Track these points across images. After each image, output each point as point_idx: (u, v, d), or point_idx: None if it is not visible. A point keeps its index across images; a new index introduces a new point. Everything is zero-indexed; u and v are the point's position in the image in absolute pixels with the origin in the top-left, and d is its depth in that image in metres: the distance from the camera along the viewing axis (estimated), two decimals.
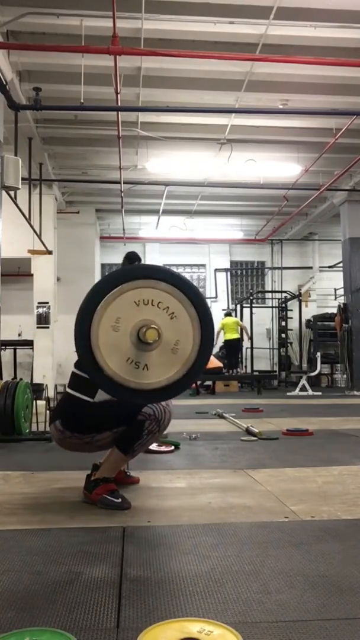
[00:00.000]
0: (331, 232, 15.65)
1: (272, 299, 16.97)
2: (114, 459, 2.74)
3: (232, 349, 13.68)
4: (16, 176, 7.07)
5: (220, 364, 12.64)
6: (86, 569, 1.85)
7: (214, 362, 12.46)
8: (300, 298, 15.20)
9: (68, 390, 2.83)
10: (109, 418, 2.70)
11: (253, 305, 15.34)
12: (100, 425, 2.71)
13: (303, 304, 15.55)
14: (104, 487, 2.67)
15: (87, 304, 2.39)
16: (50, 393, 7.40)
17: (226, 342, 13.64)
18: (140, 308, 2.36)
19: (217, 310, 16.09)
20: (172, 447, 4.29)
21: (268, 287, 17.31)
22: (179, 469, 3.58)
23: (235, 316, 15.53)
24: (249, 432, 5.12)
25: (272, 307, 16.69)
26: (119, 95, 7.58)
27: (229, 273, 16.77)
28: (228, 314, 14.39)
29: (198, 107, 8.67)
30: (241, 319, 15.26)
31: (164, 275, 2.43)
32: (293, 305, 15.46)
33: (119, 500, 2.63)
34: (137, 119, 9.18)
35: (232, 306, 16.33)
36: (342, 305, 12.87)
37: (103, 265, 16.85)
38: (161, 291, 2.37)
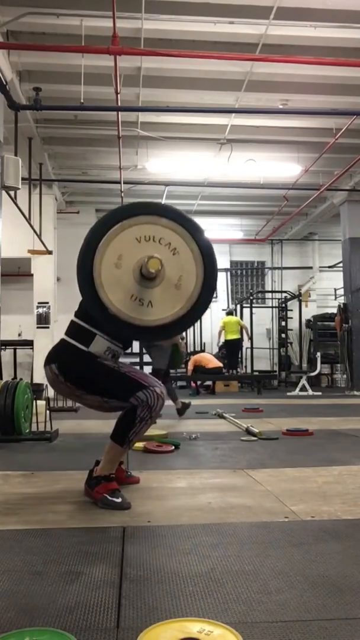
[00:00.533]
0: (331, 232, 15.65)
1: (272, 299, 16.96)
2: (112, 452, 2.75)
3: (233, 348, 13.69)
4: (16, 176, 7.07)
5: (220, 364, 12.64)
6: (86, 569, 1.85)
7: (214, 362, 12.46)
8: (300, 298, 15.20)
9: (64, 337, 2.82)
10: (102, 383, 2.71)
11: (253, 305, 15.34)
12: (92, 386, 2.72)
13: (303, 304, 15.55)
14: (104, 486, 2.67)
15: (89, 242, 2.37)
16: (50, 393, 7.41)
17: (227, 342, 13.64)
18: (142, 244, 2.33)
19: (217, 310, 16.09)
20: (172, 447, 4.29)
21: (268, 287, 17.30)
22: (179, 469, 3.58)
23: (236, 316, 15.54)
24: (248, 432, 5.12)
25: (272, 307, 16.68)
26: (119, 95, 7.58)
27: (229, 273, 16.76)
28: (230, 313, 14.40)
29: (198, 107, 8.67)
30: (241, 319, 15.27)
31: (165, 211, 2.41)
32: (293, 305, 15.46)
33: (119, 500, 2.63)
34: (137, 119, 9.18)
35: (232, 306, 16.33)
36: (342, 305, 12.86)
37: None
38: (162, 227, 2.36)
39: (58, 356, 2.79)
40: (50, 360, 2.80)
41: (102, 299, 2.31)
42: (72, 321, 2.84)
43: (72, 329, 2.81)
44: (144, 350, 14.03)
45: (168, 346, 6.65)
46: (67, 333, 2.82)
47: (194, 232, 2.41)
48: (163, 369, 6.66)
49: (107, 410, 2.81)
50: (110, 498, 2.63)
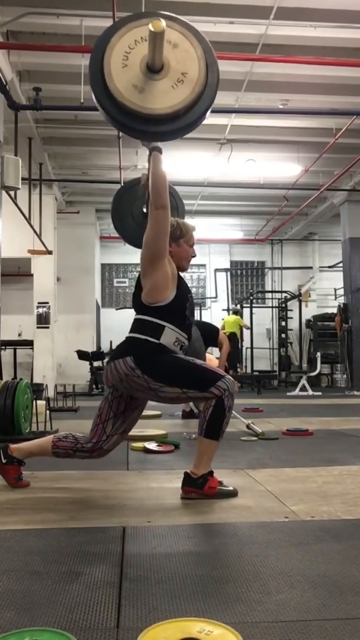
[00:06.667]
0: (331, 232, 15.66)
1: (272, 299, 16.97)
2: (210, 449, 2.78)
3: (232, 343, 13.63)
4: (16, 176, 7.08)
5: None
6: (86, 569, 1.85)
7: (214, 362, 12.43)
8: (300, 298, 15.20)
9: (131, 335, 2.82)
10: (182, 375, 2.73)
11: (253, 305, 15.35)
12: (171, 378, 2.72)
13: (303, 304, 15.55)
14: (212, 481, 2.76)
15: (96, 48, 2.50)
16: (50, 393, 7.41)
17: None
18: (142, 43, 2.44)
19: (217, 310, 16.09)
20: (172, 447, 4.29)
21: (268, 287, 17.31)
22: (179, 469, 3.57)
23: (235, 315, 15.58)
24: (249, 428, 5.10)
25: (272, 307, 16.69)
26: None
27: (229, 273, 16.77)
28: (235, 312, 14.44)
29: None
30: (241, 319, 15.28)
31: (150, 13, 2.61)
32: (293, 305, 15.47)
33: (231, 488, 2.82)
34: None
35: (232, 306, 16.32)
36: (342, 305, 12.87)
37: (103, 265, 16.85)
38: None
39: (133, 350, 2.76)
40: (122, 354, 2.77)
41: (111, 89, 2.40)
42: (136, 319, 2.85)
43: (139, 326, 2.82)
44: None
45: (201, 346, 6.62)
46: (134, 330, 2.83)
47: (184, 24, 2.63)
48: None
49: (183, 401, 2.89)
50: (225, 489, 2.79)
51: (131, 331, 2.85)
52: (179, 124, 2.49)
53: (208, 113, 2.56)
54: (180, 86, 2.44)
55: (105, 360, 13.33)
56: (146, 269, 2.81)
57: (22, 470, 3.02)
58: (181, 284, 2.86)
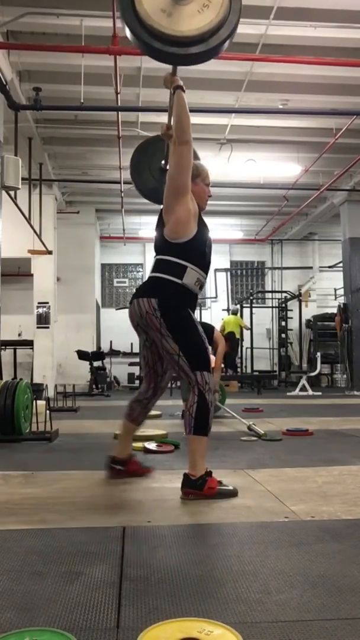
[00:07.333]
0: (331, 232, 15.66)
1: (272, 299, 16.97)
2: (201, 446, 2.82)
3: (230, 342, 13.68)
4: (16, 176, 7.09)
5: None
6: (86, 569, 1.85)
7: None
8: (300, 298, 15.20)
9: (156, 274, 2.91)
10: (189, 338, 2.81)
11: (253, 305, 15.34)
12: (180, 334, 2.81)
13: (303, 304, 15.55)
14: (211, 481, 2.77)
15: None
16: (50, 393, 7.41)
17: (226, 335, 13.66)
18: None
19: (217, 310, 16.09)
20: (172, 447, 4.29)
21: (268, 287, 17.31)
22: (179, 469, 3.57)
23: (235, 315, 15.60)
24: (251, 429, 5.10)
25: (272, 307, 16.69)
26: (119, 95, 7.58)
27: (229, 273, 16.76)
28: (234, 313, 14.48)
29: (198, 107, 8.66)
30: (241, 319, 15.30)
31: None
32: (293, 305, 15.47)
33: (231, 487, 2.82)
34: (137, 119, 9.18)
35: (232, 306, 16.32)
36: (342, 305, 12.87)
37: (103, 265, 16.85)
38: None
39: (158, 291, 2.85)
40: (147, 293, 2.86)
41: (141, 14, 2.52)
42: (159, 259, 2.94)
43: (162, 265, 2.90)
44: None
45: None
46: (157, 270, 2.91)
47: None
48: None
49: (171, 364, 2.91)
50: (225, 488, 2.79)
51: (153, 271, 2.93)
52: (205, 47, 2.62)
53: (231, 39, 2.69)
54: (206, 10, 2.59)
55: (105, 360, 13.34)
56: (170, 204, 2.92)
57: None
58: (202, 223, 3.01)
